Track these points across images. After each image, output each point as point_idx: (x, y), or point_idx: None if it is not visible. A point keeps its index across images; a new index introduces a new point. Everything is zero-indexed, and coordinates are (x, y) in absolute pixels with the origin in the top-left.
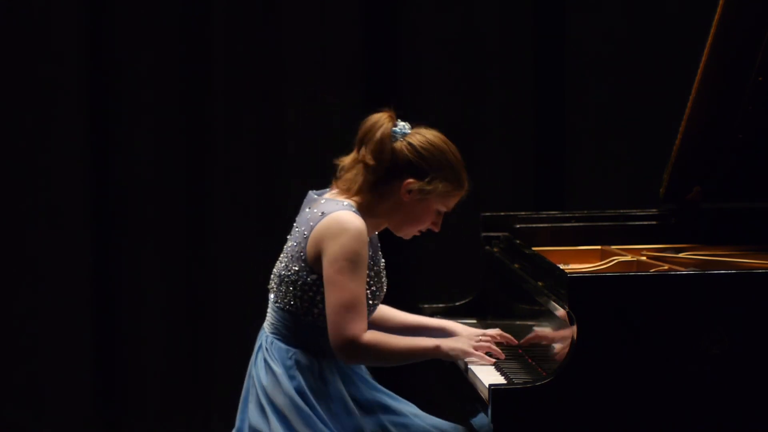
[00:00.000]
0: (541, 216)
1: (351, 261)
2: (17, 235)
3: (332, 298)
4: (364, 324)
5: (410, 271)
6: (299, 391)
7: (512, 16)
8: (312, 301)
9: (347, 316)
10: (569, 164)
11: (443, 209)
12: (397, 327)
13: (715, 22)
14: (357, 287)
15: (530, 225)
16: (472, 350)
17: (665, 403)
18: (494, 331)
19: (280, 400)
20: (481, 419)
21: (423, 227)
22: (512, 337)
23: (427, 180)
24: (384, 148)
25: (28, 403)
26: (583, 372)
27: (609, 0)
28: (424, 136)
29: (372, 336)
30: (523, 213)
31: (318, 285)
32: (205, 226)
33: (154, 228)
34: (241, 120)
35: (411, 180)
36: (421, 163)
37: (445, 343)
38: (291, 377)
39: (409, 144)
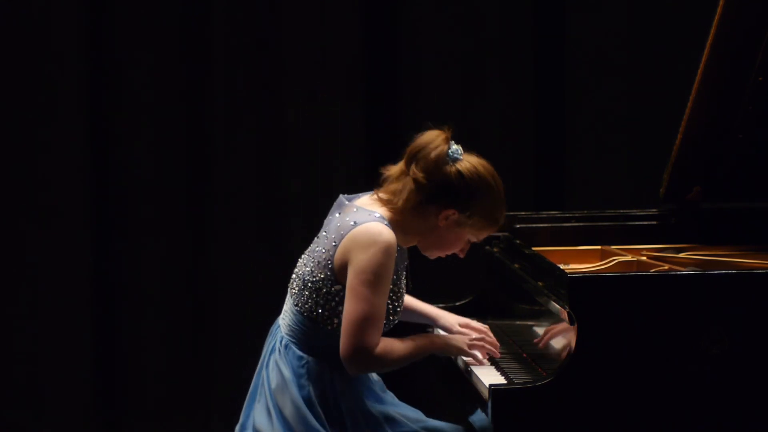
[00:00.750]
0: (541, 216)
1: (377, 274)
2: (17, 235)
3: (352, 308)
4: (379, 338)
5: (410, 271)
6: (307, 401)
7: (512, 16)
8: (334, 311)
9: (365, 329)
10: (569, 164)
11: (474, 240)
12: None
13: (715, 22)
14: (379, 301)
15: (530, 225)
16: (466, 348)
17: (665, 403)
18: (482, 326)
19: (287, 408)
20: (482, 419)
21: (450, 252)
22: (497, 347)
23: (467, 214)
24: (437, 170)
25: (28, 403)
26: (583, 372)
27: (609, 0)
28: (475, 167)
29: (383, 347)
30: (523, 213)
31: (342, 296)
32: (205, 226)
33: (154, 228)
34: (241, 120)
35: (452, 211)
36: (465, 195)
37: (440, 339)
38: (300, 386)
39: (459, 172)
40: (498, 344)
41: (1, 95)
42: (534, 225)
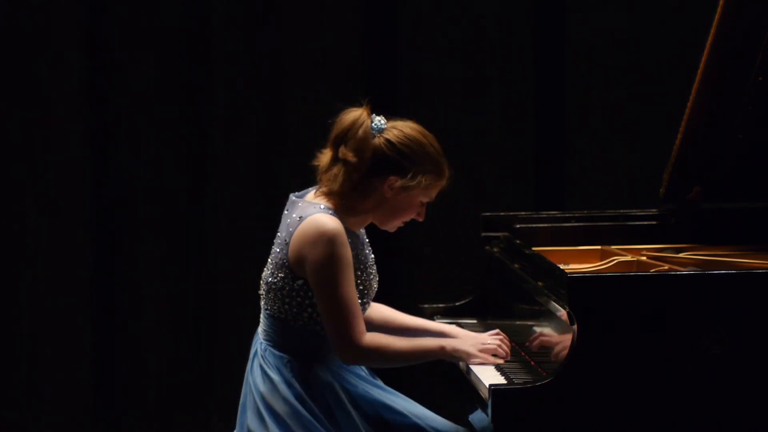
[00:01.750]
0: (541, 216)
1: (334, 265)
2: (17, 235)
3: (324, 306)
4: (362, 325)
5: (410, 271)
6: (299, 398)
7: (512, 16)
8: (301, 306)
9: (343, 321)
10: (569, 164)
11: (426, 200)
12: (399, 329)
13: (715, 22)
14: (345, 291)
15: (530, 225)
16: (476, 352)
17: (665, 403)
18: (496, 337)
19: (280, 407)
20: (482, 419)
21: (407, 219)
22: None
23: (409, 176)
24: (366, 146)
25: (28, 403)
26: (583, 372)
27: (609, 0)
28: (401, 130)
29: (374, 338)
30: (523, 213)
31: (305, 290)
32: (205, 226)
33: (154, 228)
34: (241, 120)
35: (393, 178)
36: (401, 160)
37: (449, 344)
38: (289, 385)
39: (387, 141)
40: (508, 353)
41: (1, 95)
42: (534, 225)
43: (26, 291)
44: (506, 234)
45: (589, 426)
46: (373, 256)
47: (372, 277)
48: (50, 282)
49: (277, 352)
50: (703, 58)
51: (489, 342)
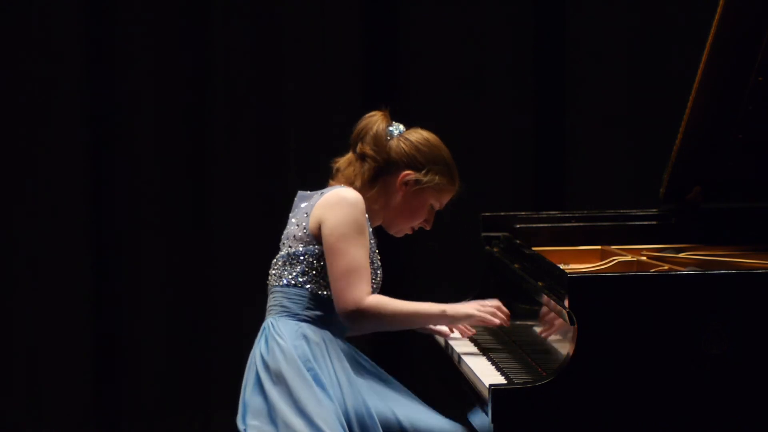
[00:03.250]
0: (541, 216)
1: (350, 227)
2: (17, 235)
3: (334, 265)
4: (368, 288)
5: (410, 271)
6: (303, 359)
7: (512, 16)
8: (321, 272)
9: (350, 280)
10: (569, 164)
11: (437, 205)
12: None
13: (715, 22)
14: (358, 253)
15: (530, 225)
16: (477, 312)
17: (665, 403)
18: (494, 301)
19: (283, 367)
20: (481, 419)
21: (416, 223)
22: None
23: (423, 172)
24: (380, 141)
25: (28, 403)
26: (583, 372)
27: (609, 0)
28: (420, 134)
29: (376, 299)
30: (523, 213)
31: (323, 256)
32: (204, 225)
33: (153, 228)
34: (241, 120)
35: (408, 171)
36: (417, 156)
37: (451, 308)
38: (296, 347)
39: (406, 139)
40: (509, 313)
41: (0, 95)
42: (534, 225)
43: (26, 291)
44: (506, 234)
45: (589, 426)
46: (379, 258)
47: (380, 270)
48: (50, 281)
49: (290, 321)
50: (703, 58)
51: (489, 304)
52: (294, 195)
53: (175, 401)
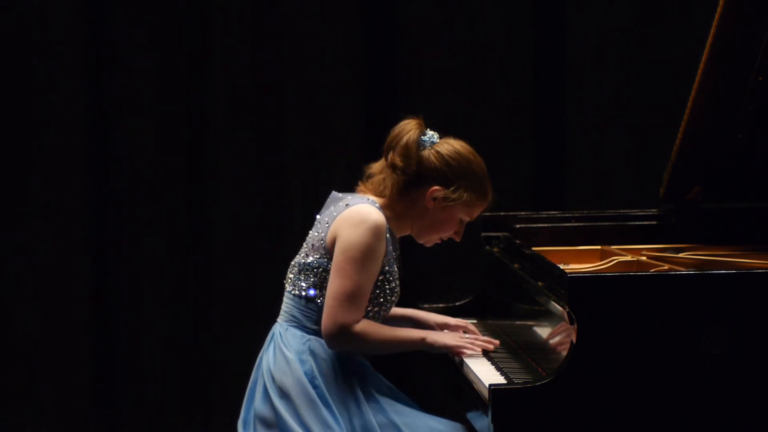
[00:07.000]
0: (541, 216)
1: (363, 252)
2: (17, 235)
3: (336, 284)
4: (360, 315)
5: (410, 271)
6: (309, 376)
7: (512, 16)
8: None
9: (346, 305)
10: (569, 164)
11: (466, 219)
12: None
13: (715, 22)
14: (363, 279)
15: (530, 225)
16: (455, 342)
17: (665, 403)
18: (463, 324)
19: (288, 383)
20: (481, 418)
21: (445, 235)
22: (492, 340)
23: (452, 189)
24: (411, 152)
25: (28, 404)
26: (583, 372)
27: (609, 0)
28: (452, 145)
29: (362, 326)
30: (523, 213)
31: None
32: (204, 225)
33: (153, 228)
34: (241, 120)
35: (437, 187)
36: (447, 171)
37: (430, 336)
38: (302, 362)
39: (437, 152)
40: (491, 339)
41: (0, 95)
42: (534, 225)
43: (26, 291)
44: (506, 234)
45: (589, 426)
46: (400, 270)
47: (398, 283)
48: (50, 281)
49: (298, 332)
50: (703, 58)
51: (467, 337)
52: (293, 195)
53: (175, 402)
